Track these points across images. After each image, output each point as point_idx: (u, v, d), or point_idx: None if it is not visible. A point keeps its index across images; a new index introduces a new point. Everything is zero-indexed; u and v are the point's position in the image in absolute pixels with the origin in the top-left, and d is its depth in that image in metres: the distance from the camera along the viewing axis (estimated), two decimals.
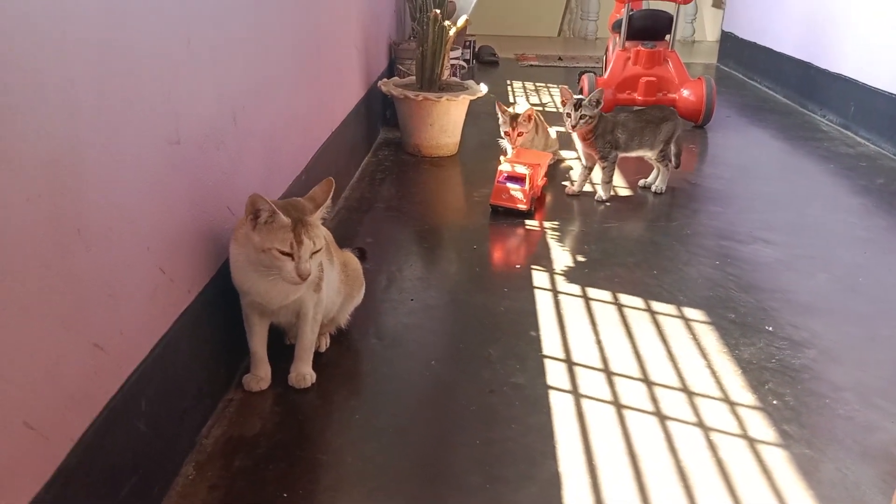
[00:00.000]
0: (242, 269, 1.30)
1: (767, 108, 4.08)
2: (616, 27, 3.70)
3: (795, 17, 4.24)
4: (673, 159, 2.56)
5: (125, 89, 1.00)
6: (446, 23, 2.88)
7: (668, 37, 3.59)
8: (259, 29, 1.58)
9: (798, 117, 3.85)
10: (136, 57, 1.03)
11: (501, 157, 2.41)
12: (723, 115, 3.86)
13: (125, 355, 1.03)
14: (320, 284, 1.40)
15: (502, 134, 2.75)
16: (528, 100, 4.10)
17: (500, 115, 2.71)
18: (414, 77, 3.04)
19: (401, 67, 3.46)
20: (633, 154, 2.54)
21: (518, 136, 2.69)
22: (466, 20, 2.98)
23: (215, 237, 1.34)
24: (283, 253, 1.22)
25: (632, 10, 3.57)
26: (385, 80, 3.03)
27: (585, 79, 3.56)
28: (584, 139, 2.45)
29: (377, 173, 2.76)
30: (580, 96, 2.41)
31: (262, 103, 1.59)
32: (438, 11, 2.86)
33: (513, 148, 2.69)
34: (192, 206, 1.23)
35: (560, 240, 2.19)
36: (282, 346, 1.51)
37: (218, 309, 1.35)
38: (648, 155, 2.55)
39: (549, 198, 2.55)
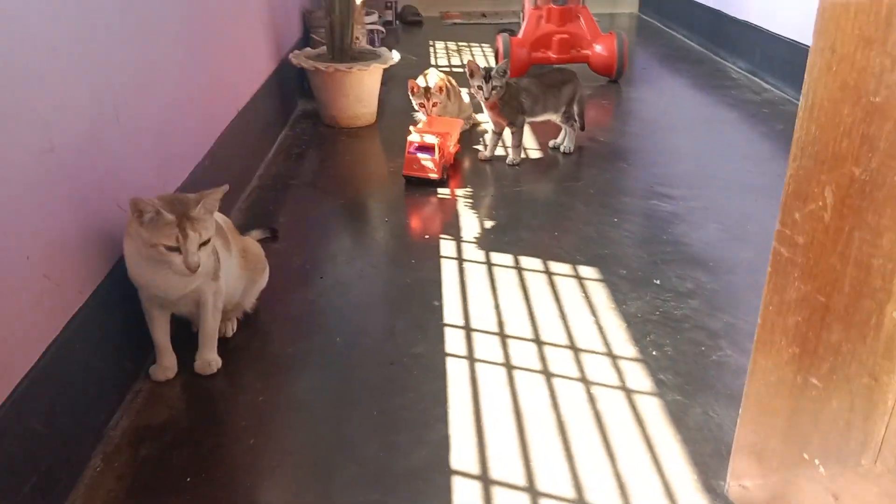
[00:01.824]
0: (137, 263, 1.33)
1: (682, 56, 4.18)
2: None
3: None
4: (577, 119, 2.64)
5: None
6: None
7: None
8: (135, 20, 1.58)
9: (710, 65, 3.96)
10: None
11: (411, 128, 2.45)
12: (640, 66, 3.95)
13: (12, 365, 1.06)
14: (218, 273, 1.45)
15: (415, 107, 2.78)
16: (446, 63, 4.11)
17: (411, 92, 2.74)
18: (325, 48, 3.03)
19: (315, 37, 3.44)
20: (539, 119, 2.61)
21: (433, 106, 2.73)
22: None
23: (108, 235, 1.37)
24: (169, 248, 1.26)
25: None
26: (297, 51, 3.02)
27: (500, 39, 3.59)
28: (491, 108, 2.51)
29: (293, 147, 2.78)
30: (488, 66, 2.46)
31: (148, 95, 1.60)
32: None
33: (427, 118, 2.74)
34: (75, 210, 1.26)
35: (470, 207, 2.26)
36: (189, 335, 1.55)
37: (117, 305, 1.39)
38: (553, 118, 2.62)
39: (463, 164, 2.61)
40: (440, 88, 2.72)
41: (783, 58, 3.41)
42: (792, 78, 3.33)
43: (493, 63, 3.83)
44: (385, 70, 3.02)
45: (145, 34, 1.61)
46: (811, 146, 0.89)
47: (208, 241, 1.31)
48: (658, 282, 1.80)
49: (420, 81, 2.76)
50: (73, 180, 1.25)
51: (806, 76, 0.88)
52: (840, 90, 0.84)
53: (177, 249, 1.27)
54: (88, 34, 1.33)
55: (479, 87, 2.44)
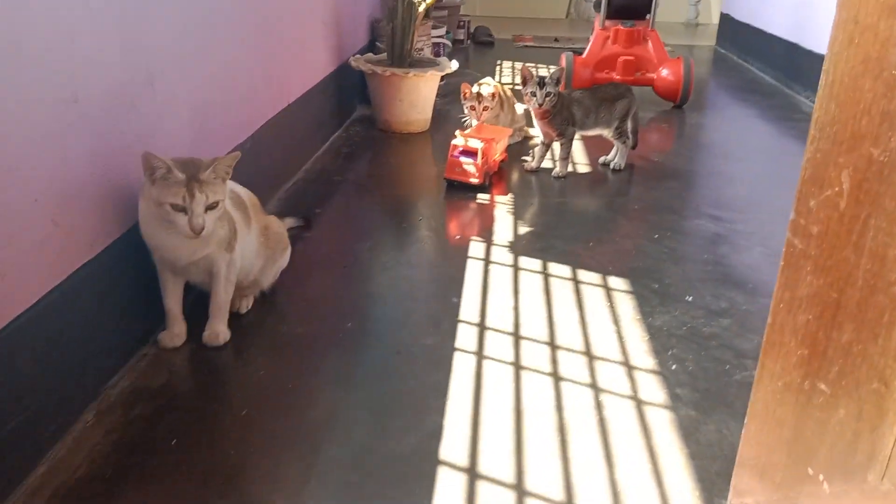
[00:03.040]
0: (149, 224, 1.34)
1: (753, 89, 4.04)
2: (598, 6, 3.69)
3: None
4: (630, 136, 2.57)
5: (12, 46, 1.05)
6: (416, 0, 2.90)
7: (648, 16, 3.57)
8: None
9: (782, 98, 3.82)
10: (23, 15, 1.07)
11: (457, 132, 2.44)
12: (708, 96, 3.84)
13: (8, 298, 1.08)
14: (232, 245, 1.45)
15: (465, 111, 2.77)
16: (510, 80, 4.10)
17: (463, 97, 2.73)
18: (386, 53, 3.06)
19: (380, 45, 3.48)
20: (591, 132, 2.56)
21: (484, 110, 2.71)
22: None
23: (128, 197, 1.38)
24: (175, 207, 1.26)
25: None
26: (357, 56, 3.06)
27: (564, 57, 3.56)
28: (542, 117, 2.47)
29: (343, 147, 2.80)
30: (543, 74, 2.42)
31: (188, 68, 1.63)
32: None
33: (478, 123, 2.72)
34: (94, 166, 1.28)
35: (507, 213, 2.21)
36: (204, 306, 1.55)
37: (131, 265, 1.40)
38: (605, 132, 2.56)
39: (508, 173, 2.57)
40: (492, 95, 2.70)
41: None
42: None
43: None
44: (445, 83, 3.02)
45: (192, 7, 1.64)
46: (829, 126, 0.82)
47: (216, 205, 1.31)
48: (690, 298, 1.71)
49: (475, 88, 2.75)
50: (95, 135, 1.27)
51: (827, 52, 0.81)
52: (861, 63, 0.77)
53: (183, 210, 1.27)
54: None
55: (532, 94, 2.41)
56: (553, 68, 3.28)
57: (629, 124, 2.55)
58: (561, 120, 2.46)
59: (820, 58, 3.46)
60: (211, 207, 1.30)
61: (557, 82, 2.40)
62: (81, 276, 1.25)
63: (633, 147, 2.61)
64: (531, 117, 2.92)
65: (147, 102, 1.45)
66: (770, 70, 4.32)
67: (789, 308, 0.89)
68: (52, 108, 1.16)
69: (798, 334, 0.89)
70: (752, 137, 3.17)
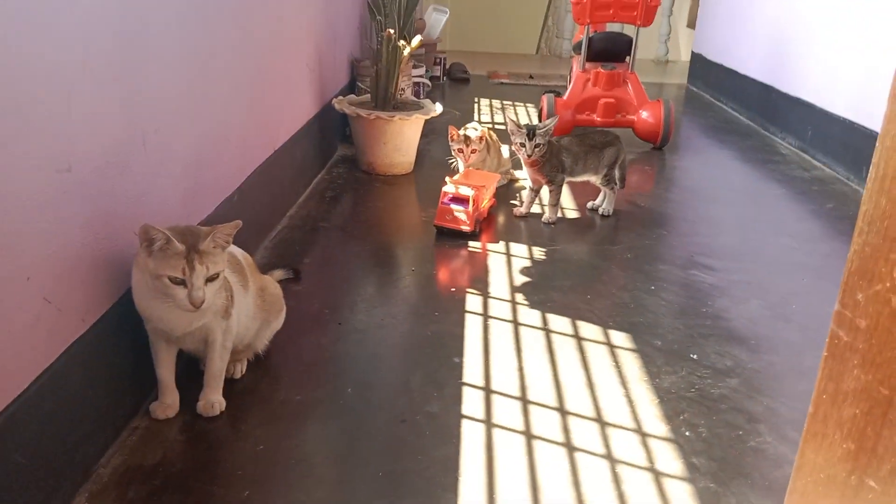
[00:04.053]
0: (144, 295, 1.28)
1: (729, 129, 4.10)
2: (577, 49, 3.72)
3: (759, 41, 4.28)
4: (618, 182, 2.57)
5: (4, 116, 0.99)
6: (401, 42, 2.89)
7: (627, 59, 3.61)
8: (180, 47, 1.56)
9: (758, 139, 3.88)
10: (19, 81, 1.01)
11: (447, 178, 2.41)
12: (684, 136, 3.89)
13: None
14: (229, 311, 1.39)
15: (453, 153, 2.75)
16: (489, 118, 4.10)
17: (451, 139, 2.71)
18: (369, 95, 3.03)
19: (361, 85, 3.46)
20: (579, 179, 2.55)
21: (472, 153, 2.69)
22: (420, 41, 2.98)
23: (120, 262, 1.32)
24: (174, 281, 1.20)
25: (592, 32, 3.58)
26: (340, 97, 3.02)
27: (545, 99, 3.57)
28: (531, 166, 2.46)
29: (328, 191, 2.75)
30: (532, 124, 2.41)
31: (183, 124, 1.58)
32: (392, 31, 2.87)
33: (465, 166, 2.70)
34: (87, 234, 1.21)
35: (500, 263, 2.18)
36: (196, 373, 1.48)
37: (122, 336, 1.33)
38: (593, 179, 2.55)
39: (497, 219, 2.55)
40: (480, 138, 2.68)
41: (835, 136, 3.31)
42: (844, 157, 3.23)
43: (536, 122, 3.79)
44: (427, 122, 3.00)
45: (189, 63, 1.59)
46: (880, 221, 0.80)
47: (216, 276, 1.25)
48: (695, 356, 1.68)
49: (461, 131, 2.73)
50: (88, 203, 1.21)
51: (878, 144, 0.79)
52: None
53: (182, 283, 1.21)
54: (124, 54, 1.31)
55: (522, 145, 2.39)
56: (531, 106, 3.28)
57: (617, 172, 2.55)
58: (550, 168, 2.45)
59: (795, 101, 3.54)
60: (211, 279, 1.24)
61: (547, 133, 2.39)
62: (73, 353, 1.17)
63: (622, 188, 2.61)
64: (517, 160, 2.92)
65: (140, 163, 1.39)
66: (744, 111, 4.39)
67: (833, 400, 0.87)
68: (46, 178, 1.09)
69: (843, 428, 0.86)
70: (734, 179, 3.20)
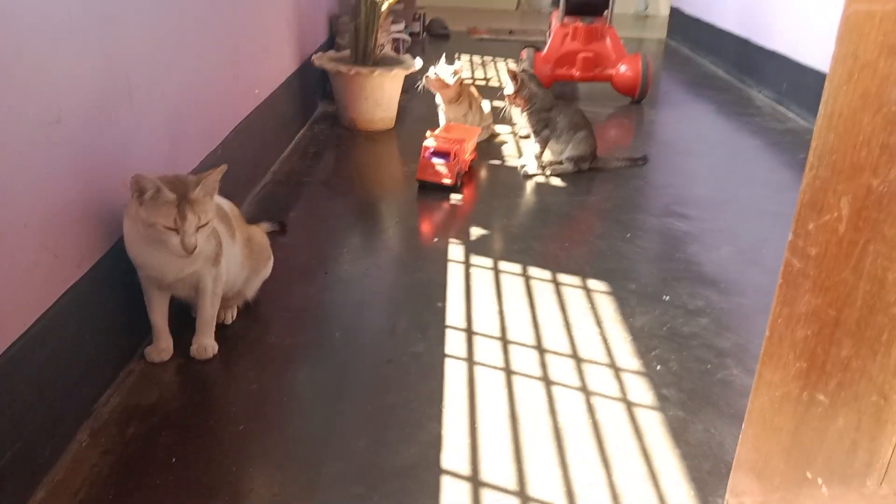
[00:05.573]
0: (135, 243, 1.32)
1: (707, 83, 4.15)
2: (556, 2, 3.73)
3: None
4: (567, 162, 2.62)
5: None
6: None
7: (606, 13, 3.63)
8: (161, 6, 1.58)
9: (735, 93, 3.94)
10: (5, 35, 1.04)
11: (428, 133, 2.44)
12: (663, 90, 3.93)
13: (1, 330, 1.05)
14: (218, 258, 1.43)
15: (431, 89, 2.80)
16: (469, 74, 4.12)
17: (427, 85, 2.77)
18: (349, 51, 3.04)
19: (340, 41, 3.46)
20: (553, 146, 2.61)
21: (445, 87, 2.78)
22: None
23: (111, 211, 1.36)
24: (167, 228, 1.25)
25: None
26: (320, 54, 3.03)
27: (525, 53, 3.59)
28: (517, 106, 2.52)
29: (310, 147, 2.78)
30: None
31: (164, 75, 1.60)
32: None
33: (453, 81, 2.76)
34: (79, 182, 1.25)
35: (482, 214, 2.23)
36: (188, 319, 1.54)
37: (116, 282, 1.38)
38: (554, 148, 2.60)
39: (479, 172, 2.60)
40: (455, 72, 2.76)
41: (809, 88, 3.37)
42: (817, 108, 3.28)
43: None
44: (408, 77, 3.02)
45: (166, 15, 1.61)
46: (828, 155, 0.86)
47: (207, 223, 1.30)
48: (667, 298, 1.76)
49: (431, 73, 2.81)
50: (79, 153, 1.24)
51: (826, 84, 0.85)
52: (860, 98, 0.81)
53: (174, 230, 1.26)
54: (105, 8, 1.33)
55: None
56: (511, 61, 3.31)
57: (572, 152, 2.58)
58: (538, 119, 2.50)
59: (771, 54, 3.58)
60: (201, 226, 1.28)
61: (534, 78, 2.46)
62: (70, 298, 1.22)
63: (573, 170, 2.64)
64: (498, 115, 2.96)
65: (126, 114, 1.42)
66: (722, 64, 4.44)
67: (787, 323, 0.94)
68: (37, 128, 1.13)
69: (796, 348, 0.93)
70: (710, 133, 3.26)
